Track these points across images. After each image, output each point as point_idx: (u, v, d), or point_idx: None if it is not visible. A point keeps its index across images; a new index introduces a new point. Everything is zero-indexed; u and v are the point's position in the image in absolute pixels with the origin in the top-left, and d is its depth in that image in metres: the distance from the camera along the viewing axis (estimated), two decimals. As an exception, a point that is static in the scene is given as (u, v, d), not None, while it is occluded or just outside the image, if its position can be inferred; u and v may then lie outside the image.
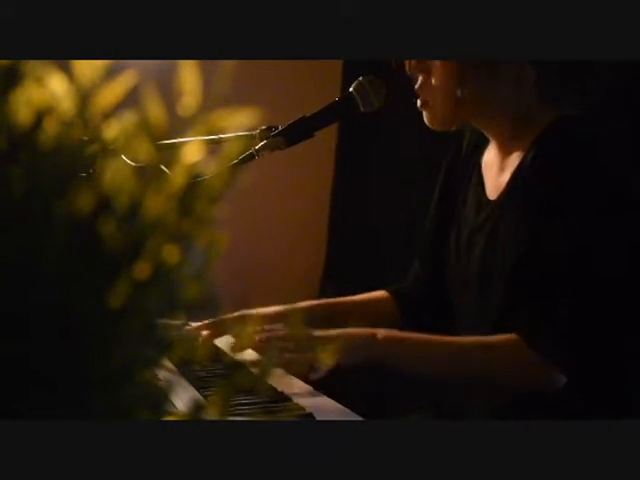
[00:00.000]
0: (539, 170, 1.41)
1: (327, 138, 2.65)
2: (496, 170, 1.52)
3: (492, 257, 1.45)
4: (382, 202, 2.71)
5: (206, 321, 1.57)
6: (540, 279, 1.36)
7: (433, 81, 1.46)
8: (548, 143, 1.43)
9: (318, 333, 1.36)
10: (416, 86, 1.49)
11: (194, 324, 1.89)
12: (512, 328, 1.35)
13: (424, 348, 1.40)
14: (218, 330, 1.53)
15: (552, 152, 1.42)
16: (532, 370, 1.34)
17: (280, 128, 1.51)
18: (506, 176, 1.48)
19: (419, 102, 1.50)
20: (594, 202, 1.37)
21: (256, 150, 1.48)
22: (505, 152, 1.50)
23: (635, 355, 1.40)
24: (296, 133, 1.52)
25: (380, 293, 1.72)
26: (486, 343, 1.38)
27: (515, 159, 1.47)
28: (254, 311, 1.59)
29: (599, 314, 1.34)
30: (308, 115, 1.52)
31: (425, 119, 1.51)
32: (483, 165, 1.56)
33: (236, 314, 1.54)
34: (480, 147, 1.59)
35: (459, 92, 1.45)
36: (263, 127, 1.52)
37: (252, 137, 1.50)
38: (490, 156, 1.55)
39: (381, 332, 1.39)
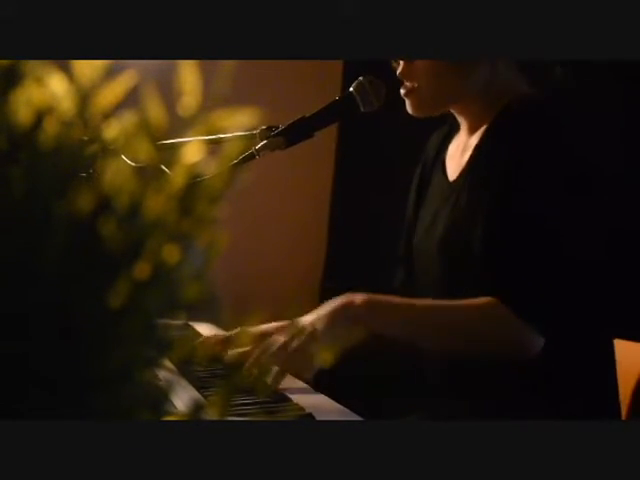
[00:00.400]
0: (493, 145, 1.44)
1: (327, 138, 2.66)
2: (459, 153, 1.54)
3: (452, 234, 1.46)
4: (382, 202, 2.71)
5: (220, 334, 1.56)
6: (512, 245, 1.37)
7: (418, 66, 1.47)
8: (502, 120, 1.45)
9: (300, 324, 1.36)
10: (398, 72, 1.50)
11: (195, 324, 1.89)
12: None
13: (405, 310, 1.39)
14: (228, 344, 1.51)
15: (504, 128, 1.44)
16: (512, 331, 1.34)
17: (280, 128, 1.51)
18: (466, 157, 1.50)
19: (403, 90, 1.50)
20: (550, 171, 1.38)
21: (256, 150, 1.48)
22: (471, 134, 1.52)
23: (608, 316, 1.42)
24: (296, 133, 1.52)
25: None
26: (467, 304, 1.38)
27: (475, 139, 1.50)
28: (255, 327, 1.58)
29: (573, 277, 1.36)
30: (308, 115, 1.52)
31: (409, 107, 1.51)
32: (448, 153, 1.58)
33: (236, 331, 1.52)
34: (447, 139, 1.60)
35: (444, 76, 1.47)
36: (263, 127, 1.51)
37: (252, 137, 1.50)
38: (456, 143, 1.58)
39: (359, 297, 1.38)
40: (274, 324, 1.51)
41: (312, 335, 1.34)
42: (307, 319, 1.37)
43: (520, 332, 1.33)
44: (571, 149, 1.41)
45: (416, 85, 1.49)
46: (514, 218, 1.37)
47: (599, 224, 1.41)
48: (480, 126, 1.50)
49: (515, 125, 1.43)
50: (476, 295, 1.36)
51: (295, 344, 1.33)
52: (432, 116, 1.55)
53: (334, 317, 1.36)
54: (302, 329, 1.35)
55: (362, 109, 1.53)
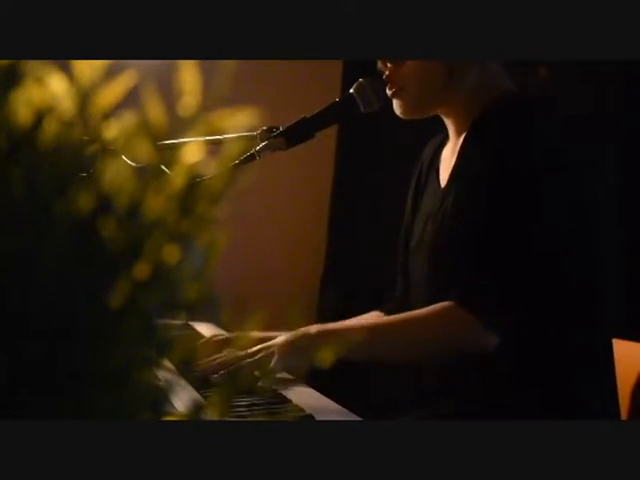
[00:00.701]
0: (472, 147, 1.45)
1: (327, 138, 2.66)
2: (450, 159, 1.54)
3: (438, 240, 1.47)
4: (382, 202, 2.71)
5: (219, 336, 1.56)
6: (468, 246, 1.39)
7: (404, 69, 1.47)
8: (481, 121, 1.46)
9: (255, 349, 1.38)
10: (386, 74, 1.50)
11: (195, 324, 1.89)
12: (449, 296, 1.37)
13: (359, 333, 1.41)
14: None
15: (482, 128, 1.45)
16: (467, 332, 1.36)
17: (281, 129, 1.51)
18: (454, 161, 1.50)
19: (389, 91, 1.50)
20: (527, 170, 1.38)
21: (257, 151, 1.48)
22: (458, 137, 1.52)
23: (565, 315, 1.41)
24: (297, 134, 1.52)
25: (374, 314, 1.73)
26: (422, 313, 1.40)
27: (461, 142, 1.50)
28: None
29: (530, 275, 1.36)
30: (309, 116, 1.52)
31: (396, 108, 1.51)
32: (441, 159, 1.58)
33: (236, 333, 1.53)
34: (442, 146, 1.60)
35: (431, 79, 1.47)
36: (264, 128, 1.52)
37: (253, 138, 1.50)
38: (448, 148, 1.57)
39: (313, 327, 1.41)
40: (282, 338, 1.52)
41: (267, 356, 1.36)
42: (266, 344, 1.40)
43: (475, 331, 1.35)
44: (548, 148, 1.40)
45: (402, 87, 1.49)
46: (475, 221, 1.39)
47: (572, 226, 1.41)
48: (465, 128, 1.50)
49: (492, 125, 1.43)
50: None
51: (246, 362, 1.35)
52: (420, 119, 1.54)
53: (290, 346, 1.38)
54: (258, 351, 1.38)
55: (362, 110, 1.53)
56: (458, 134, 1.53)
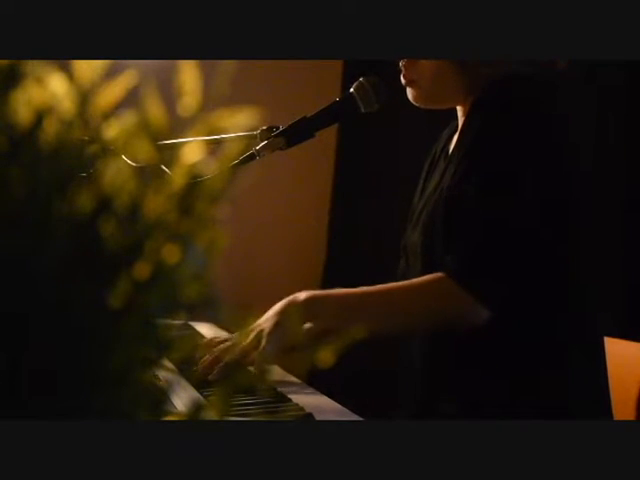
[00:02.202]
0: (468, 124, 1.45)
1: (327, 138, 2.66)
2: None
3: (431, 218, 1.46)
4: (382, 202, 2.71)
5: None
6: (461, 217, 1.38)
7: (421, 61, 1.48)
8: (478, 100, 1.47)
9: (247, 332, 1.35)
10: (401, 63, 1.50)
11: (195, 324, 1.89)
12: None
13: (352, 299, 1.39)
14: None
15: (478, 108, 1.46)
16: (456, 303, 1.34)
17: (281, 128, 1.51)
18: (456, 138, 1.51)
19: (403, 79, 1.51)
20: (521, 143, 1.39)
21: (257, 150, 1.48)
22: (463, 117, 1.53)
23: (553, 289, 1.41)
24: (297, 133, 1.52)
25: None
26: (414, 283, 1.39)
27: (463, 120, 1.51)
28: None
29: (520, 250, 1.35)
30: (309, 116, 1.52)
31: (409, 95, 1.52)
32: (453, 143, 1.58)
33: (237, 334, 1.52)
34: (454, 134, 1.61)
35: (447, 72, 1.47)
36: (264, 127, 1.51)
37: (253, 137, 1.50)
38: (456, 135, 1.58)
39: (302, 294, 1.37)
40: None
41: (257, 337, 1.34)
42: (258, 322, 1.37)
43: (465, 304, 1.34)
44: (544, 123, 1.41)
45: (416, 79, 1.49)
46: (462, 194, 1.38)
47: (567, 203, 1.41)
48: (468, 108, 1.51)
49: (490, 102, 1.44)
50: None
51: (239, 350, 1.34)
52: (433, 109, 1.55)
53: (279, 316, 1.35)
54: (247, 333, 1.35)
55: (363, 110, 1.53)
56: (463, 115, 1.53)
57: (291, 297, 1.39)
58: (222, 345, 1.39)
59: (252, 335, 1.35)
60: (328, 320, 1.33)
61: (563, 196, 1.41)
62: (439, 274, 1.36)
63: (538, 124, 1.40)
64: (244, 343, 1.34)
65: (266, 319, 1.37)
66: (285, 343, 1.33)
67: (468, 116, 1.49)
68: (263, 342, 1.33)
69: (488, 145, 1.39)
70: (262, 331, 1.35)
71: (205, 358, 1.37)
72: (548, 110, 1.44)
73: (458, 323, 1.37)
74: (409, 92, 1.52)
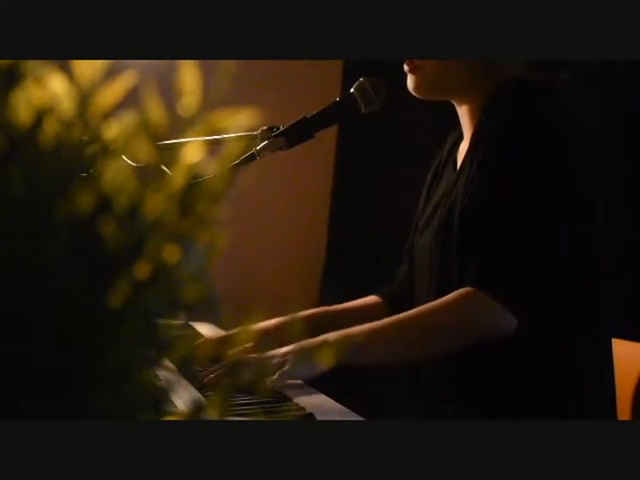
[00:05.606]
0: (482, 130, 1.45)
1: (327, 138, 2.65)
2: (464, 147, 1.54)
3: (444, 224, 1.46)
4: (382, 202, 2.71)
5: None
6: (480, 228, 1.38)
7: None
8: (490, 106, 1.46)
9: (271, 353, 1.35)
10: None
11: (195, 324, 1.89)
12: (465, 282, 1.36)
13: (382, 334, 1.38)
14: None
15: (491, 113, 1.45)
16: (489, 316, 1.34)
17: (281, 129, 1.51)
18: (466, 146, 1.51)
19: (407, 66, 1.50)
20: (535, 154, 1.39)
21: (257, 151, 1.48)
22: (470, 123, 1.52)
23: (581, 295, 1.41)
24: (297, 134, 1.51)
25: (371, 298, 1.72)
26: (441, 304, 1.37)
27: (472, 127, 1.51)
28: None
29: (540, 260, 1.36)
30: (309, 116, 1.52)
31: (410, 84, 1.51)
32: (460, 149, 1.58)
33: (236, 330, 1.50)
34: (461, 137, 1.60)
35: (451, 63, 1.47)
36: (264, 128, 1.51)
37: (253, 138, 1.50)
38: (464, 142, 1.57)
39: (332, 335, 1.35)
40: (274, 320, 1.52)
41: (280, 365, 1.33)
42: (283, 349, 1.35)
43: (498, 314, 1.33)
44: (551, 134, 1.41)
45: (421, 65, 1.48)
46: (486, 203, 1.38)
47: (580, 211, 1.42)
48: (477, 114, 1.50)
49: (502, 110, 1.43)
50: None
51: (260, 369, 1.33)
52: (430, 100, 1.54)
53: (307, 355, 1.33)
54: (271, 357, 1.34)
55: (363, 110, 1.53)
56: (471, 120, 1.52)
57: (321, 339, 1.34)
58: (234, 356, 1.37)
59: (275, 360, 1.33)
60: (364, 358, 1.34)
61: (578, 202, 1.41)
62: (465, 289, 1.35)
63: (555, 133, 1.41)
64: (266, 364, 1.31)
65: (293, 350, 1.35)
66: (311, 375, 1.33)
67: (480, 123, 1.47)
68: (288, 365, 1.32)
69: (505, 156, 1.39)
70: (288, 354, 1.33)
71: (214, 368, 1.34)
72: (563, 119, 1.44)
73: (493, 335, 1.35)
74: (411, 81, 1.51)
